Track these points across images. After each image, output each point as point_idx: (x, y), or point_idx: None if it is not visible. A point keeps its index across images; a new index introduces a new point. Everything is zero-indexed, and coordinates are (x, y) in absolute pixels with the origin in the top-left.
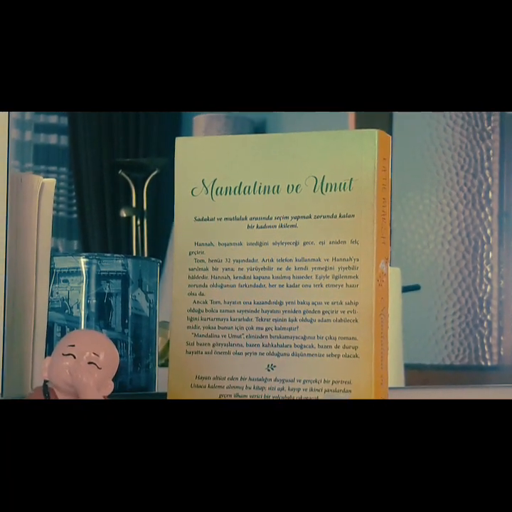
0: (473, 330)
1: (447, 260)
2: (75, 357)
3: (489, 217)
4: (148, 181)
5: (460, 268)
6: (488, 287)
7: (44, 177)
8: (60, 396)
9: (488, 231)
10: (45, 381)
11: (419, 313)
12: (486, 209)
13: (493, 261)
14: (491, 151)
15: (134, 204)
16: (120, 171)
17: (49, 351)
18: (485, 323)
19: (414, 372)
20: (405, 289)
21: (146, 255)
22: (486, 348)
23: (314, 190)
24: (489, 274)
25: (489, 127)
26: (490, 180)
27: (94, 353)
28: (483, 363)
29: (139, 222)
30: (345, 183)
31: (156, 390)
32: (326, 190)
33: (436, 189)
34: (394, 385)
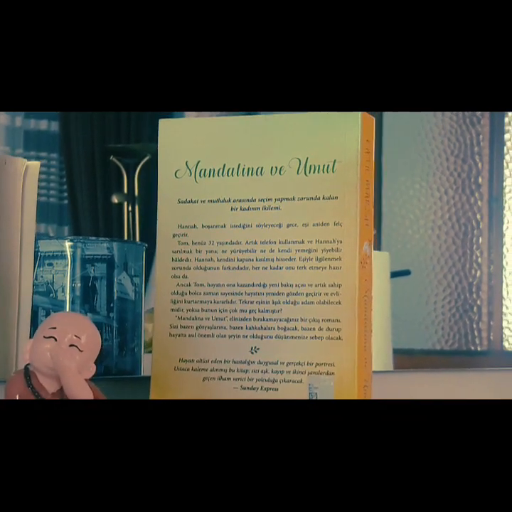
0: (463, 315)
1: (437, 245)
2: (56, 339)
3: (479, 202)
4: (140, 167)
5: (450, 253)
6: (478, 272)
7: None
8: (41, 379)
9: (478, 216)
10: (27, 364)
11: (409, 298)
12: (476, 194)
13: (482, 246)
14: (480, 136)
15: (125, 190)
16: (111, 157)
17: (33, 335)
18: (475, 308)
19: (404, 358)
20: (395, 274)
21: (137, 241)
22: (475, 333)
23: (297, 172)
24: (479, 259)
25: (479, 112)
26: (480, 165)
27: (76, 336)
28: (473, 348)
29: (130, 208)
30: (328, 165)
31: (142, 374)
32: (310, 172)
33: (427, 174)
34: (383, 369)
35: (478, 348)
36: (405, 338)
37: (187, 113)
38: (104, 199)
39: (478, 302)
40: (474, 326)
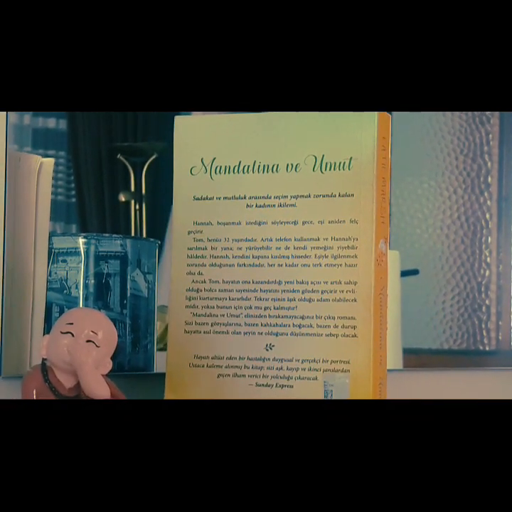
0: (471, 314)
1: (446, 245)
2: (73, 335)
3: (488, 202)
4: (147, 165)
5: (459, 252)
6: (487, 272)
7: None
8: (58, 374)
9: (487, 215)
10: (44, 359)
11: (418, 297)
12: (485, 193)
13: (491, 245)
14: (490, 136)
15: (132, 188)
16: (119, 155)
17: (47, 331)
18: (483, 308)
19: (412, 357)
20: (404, 274)
21: None
22: (484, 333)
23: (313, 169)
24: (488, 259)
25: (489, 111)
26: (489, 164)
27: (93, 331)
28: (481, 348)
29: (137, 207)
30: (344, 162)
31: (155, 370)
32: (326, 169)
33: (436, 173)
34: (393, 368)
35: (487, 348)
36: (413, 338)
37: (195, 113)
38: (111, 197)
39: (487, 302)
40: (483, 325)
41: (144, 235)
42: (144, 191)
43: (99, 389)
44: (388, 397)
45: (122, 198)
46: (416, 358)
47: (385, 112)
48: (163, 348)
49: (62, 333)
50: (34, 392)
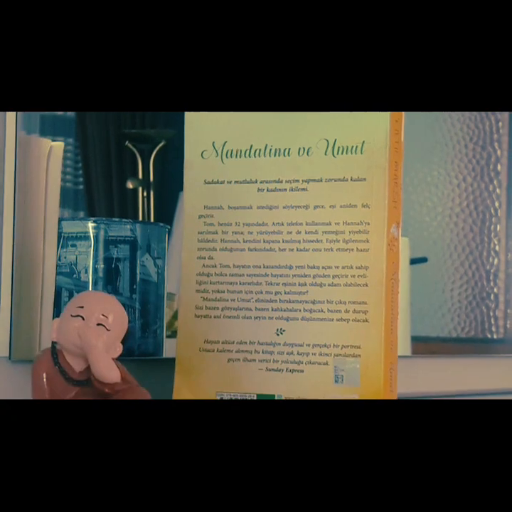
0: (479, 303)
1: (455, 233)
2: (83, 318)
3: (498, 190)
4: (155, 153)
5: (467, 240)
6: (495, 260)
7: None
8: (68, 358)
9: (496, 204)
10: (54, 342)
11: (426, 285)
12: (495, 181)
13: (500, 234)
14: (500, 123)
15: (140, 175)
16: (127, 142)
17: (56, 315)
18: (492, 296)
19: (421, 345)
20: (413, 262)
21: None
22: (492, 321)
23: (325, 153)
24: (496, 247)
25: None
26: (499, 152)
27: (103, 315)
28: (489, 336)
29: (145, 194)
30: (356, 146)
31: (164, 356)
32: (338, 153)
33: (445, 161)
34: (402, 354)
35: (495, 336)
36: (422, 326)
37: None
38: (119, 184)
39: (495, 290)
40: (491, 313)
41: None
42: (151, 178)
43: (110, 372)
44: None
45: (130, 185)
46: (424, 346)
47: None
48: (171, 335)
49: (72, 316)
50: (44, 375)
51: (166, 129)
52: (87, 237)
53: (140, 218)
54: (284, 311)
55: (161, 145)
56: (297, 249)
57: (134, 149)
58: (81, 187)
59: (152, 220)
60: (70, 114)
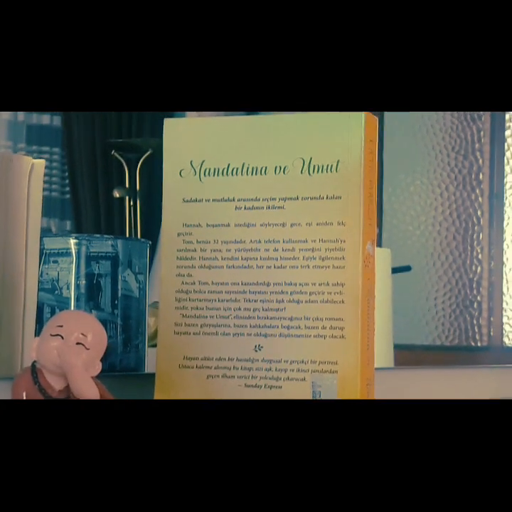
0: (463, 311)
1: (438, 241)
2: (62, 337)
3: (480, 199)
4: (142, 162)
5: (451, 249)
6: (479, 268)
7: (37, 157)
8: (48, 377)
9: (479, 212)
10: (34, 361)
11: (410, 294)
12: (477, 190)
13: (483, 242)
14: (481, 133)
15: (127, 184)
16: (113, 152)
17: (39, 332)
18: (475, 304)
19: (405, 353)
20: (396, 270)
21: (139, 235)
22: (476, 329)
23: (301, 172)
24: (479, 255)
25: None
26: (480, 161)
27: (82, 334)
28: (473, 344)
29: (132, 203)
30: (332, 165)
31: (146, 371)
32: (313, 172)
33: (427, 170)
34: (383, 365)
35: (479, 344)
36: (406, 334)
37: (188, 113)
38: (105, 193)
39: (479, 298)
40: (475, 321)
41: (139, 231)
42: (138, 187)
43: (89, 391)
44: (378, 397)
45: (117, 194)
46: (408, 354)
47: (372, 114)
48: (155, 345)
49: (51, 335)
50: (24, 394)
51: (153, 138)
52: (68, 253)
53: (127, 227)
54: (262, 327)
55: (147, 154)
56: (274, 267)
57: (121, 158)
58: (68, 196)
59: (139, 228)
60: (56, 123)
